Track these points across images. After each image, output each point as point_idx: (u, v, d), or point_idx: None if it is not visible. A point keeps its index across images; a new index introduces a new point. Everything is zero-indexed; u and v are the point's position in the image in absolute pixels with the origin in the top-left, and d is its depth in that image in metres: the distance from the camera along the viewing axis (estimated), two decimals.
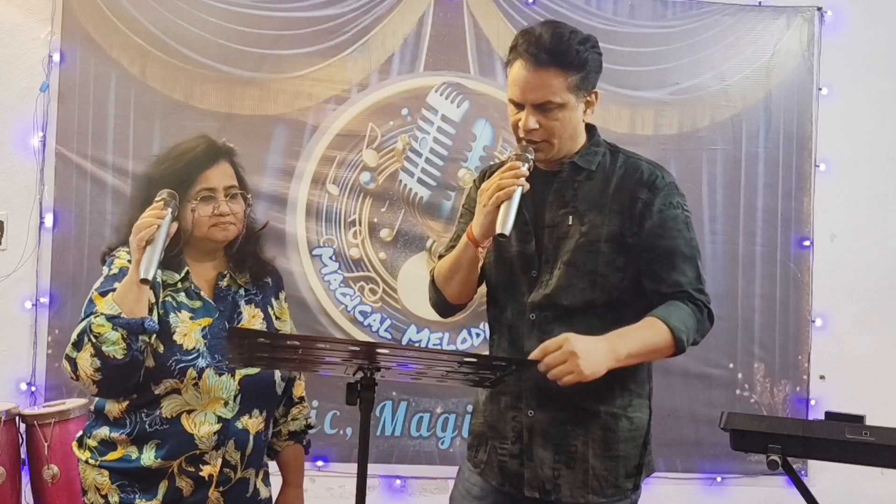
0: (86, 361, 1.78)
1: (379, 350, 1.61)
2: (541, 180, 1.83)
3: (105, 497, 1.89)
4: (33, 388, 3.42)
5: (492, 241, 1.82)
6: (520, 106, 1.81)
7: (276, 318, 2.10)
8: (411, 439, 3.56)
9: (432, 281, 1.97)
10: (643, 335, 1.73)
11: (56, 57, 3.47)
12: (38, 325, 3.45)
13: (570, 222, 1.84)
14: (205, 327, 1.92)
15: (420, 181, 3.60)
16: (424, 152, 3.61)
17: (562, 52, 1.77)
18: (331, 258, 3.57)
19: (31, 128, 3.46)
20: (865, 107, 3.78)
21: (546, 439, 1.85)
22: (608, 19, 3.68)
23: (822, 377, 3.72)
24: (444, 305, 1.98)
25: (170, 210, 1.82)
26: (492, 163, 2.09)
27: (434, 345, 3.57)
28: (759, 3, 3.74)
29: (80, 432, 2.00)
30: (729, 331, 3.69)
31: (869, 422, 1.80)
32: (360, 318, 3.57)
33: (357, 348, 1.66)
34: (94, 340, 1.77)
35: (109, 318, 1.77)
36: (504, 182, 1.72)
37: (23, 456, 2.93)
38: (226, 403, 1.90)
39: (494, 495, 1.93)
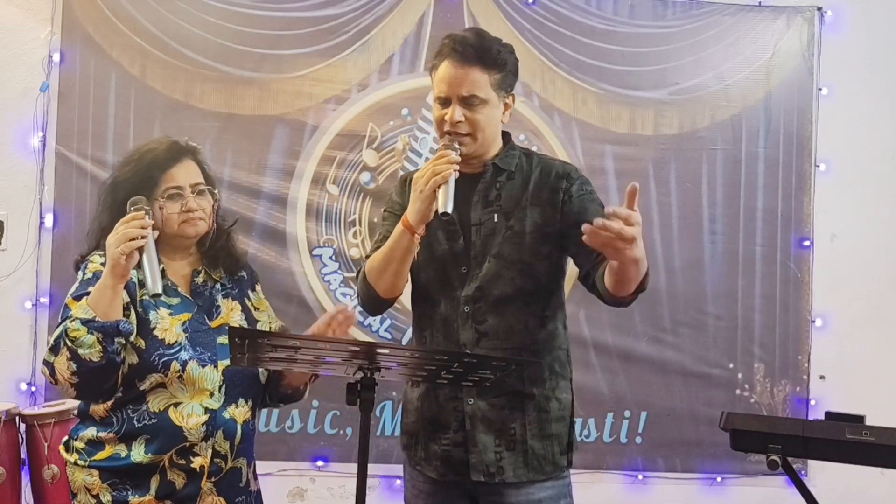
0: (63, 365, 1.79)
1: (379, 350, 1.62)
2: (464, 183, 1.92)
3: (97, 497, 1.90)
4: (33, 388, 3.42)
5: (424, 229, 1.90)
6: (446, 102, 1.95)
7: (255, 308, 2.11)
8: None
9: (363, 277, 2.01)
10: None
11: (56, 57, 3.47)
12: (38, 325, 3.45)
13: (496, 220, 1.98)
14: (185, 322, 1.94)
15: None
16: (424, 152, 3.61)
17: (485, 51, 1.94)
18: (331, 258, 3.57)
19: (31, 128, 3.47)
20: (865, 107, 3.78)
21: (487, 425, 1.96)
22: (608, 19, 3.68)
23: (822, 377, 3.72)
24: (375, 301, 2.02)
25: (149, 218, 1.83)
26: (413, 170, 2.15)
27: None
28: (759, 3, 3.75)
29: (66, 436, 2.01)
30: (729, 331, 3.70)
31: (869, 422, 1.80)
32: (360, 318, 3.57)
33: (357, 348, 1.66)
34: (69, 344, 1.78)
35: (84, 322, 1.78)
36: (439, 167, 1.84)
37: (23, 456, 2.93)
38: (211, 394, 1.92)
39: (442, 487, 2.01)
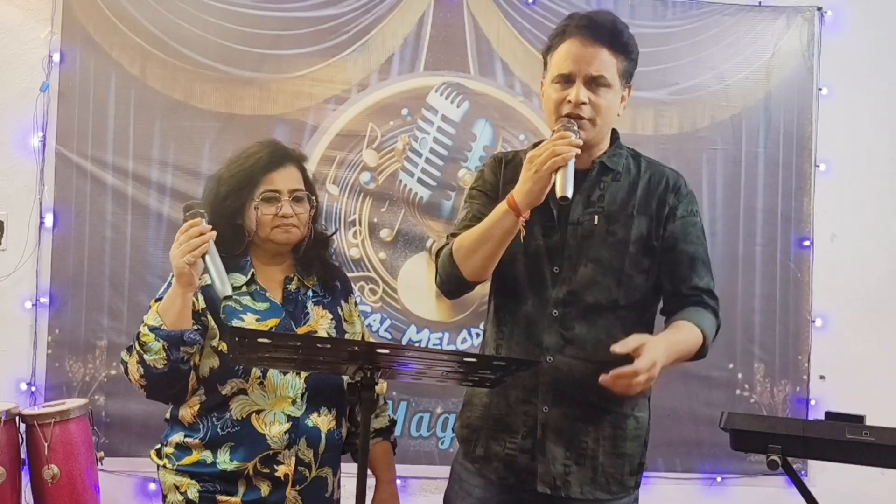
0: (133, 367, 1.85)
1: (379, 350, 1.61)
2: None
3: (184, 493, 1.91)
4: (33, 388, 3.42)
5: (530, 214, 1.78)
6: (568, 81, 1.82)
7: (345, 320, 2.09)
8: (411, 439, 3.56)
9: (449, 255, 1.88)
10: (686, 340, 1.81)
11: (56, 57, 3.47)
12: (38, 325, 3.45)
13: (597, 222, 1.87)
14: (271, 328, 1.93)
15: (420, 181, 3.59)
16: (424, 152, 3.61)
17: (616, 34, 1.83)
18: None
19: (31, 128, 3.46)
20: (865, 107, 3.78)
21: (558, 435, 1.87)
22: None
23: (822, 377, 3.72)
24: (457, 282, 1.88)
25: (206, 222, 1.82)
26: (506, 151, 2.09)
27: (434, 345, 3.56)
28: (759, 3, 3.74)
29: (159, 443, 2.02)
30: (729, 331, 3.69)
31: (869, 422, 1.79)
32: None
33: (357, 348, 1.66)
34: (138, 349, 1.83)
35: (152, 329, 1.82)
36: (560, 148, 1.71)
37: (23, 456, 2.93)
38: (294, 402, 1.91)
39: (496, 492, 1.93)
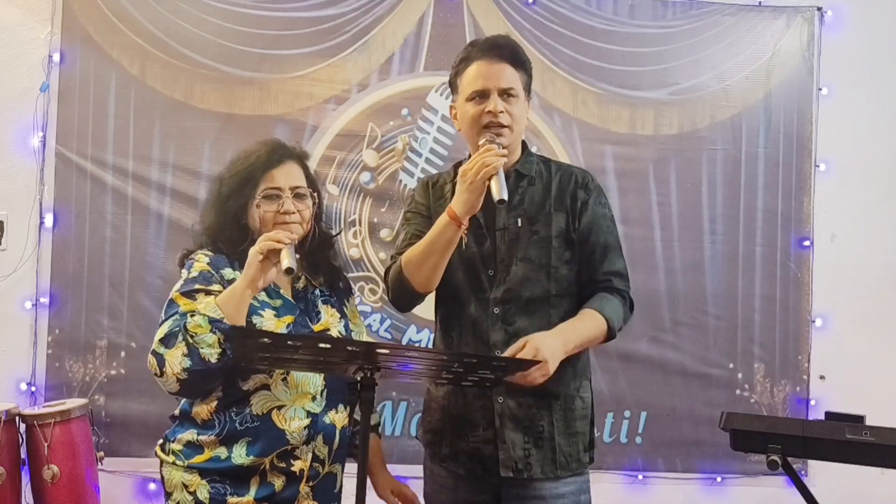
0: (176, 359, 1.80)
1: (379, 350, 1.62)
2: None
3: (193, 493, 1.89)
4: (33, 388, 3.43)
5: (468, 222, 1.92)
6: (483, 96, 2.00)
7: (350, 319, 2.11)
8: (411, 439, 3.56)
9: (399, 271, 2.02)
10: (586, 326, 1.98)
11: (56, 57, 3.47)
12: (38, 325, 3.45)
13: (520, 224, 2.05)
14: (289, 324, 1.95)
15: None
16: (424, 152, 3.61)
17: (514, 52, 2.04)
18: None
19: (31, 128, 3.47)
20: (865, 107, 3.78)
21: (515, 423, 2.01)
22: (608, 19, 3.68)
23: (822, 377, 3.72)
24: (408, 295, 2.04)
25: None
26: (433, 173, 2.28)
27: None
28: (759, 3, 3.75)
29: (162, 438, 2.01)
30: (729, 331, 3.69)
31: (869, 422, 1.80)
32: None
33: (357, 348, 1.66)
34: (190, 340, 1.79)
35: (212, 321, 1.80)
36: (489, 159, 1.87)
37: (23, 456, 2.93)
38: (314, 398, 1.93)
39: (466, 483, 2.06)
